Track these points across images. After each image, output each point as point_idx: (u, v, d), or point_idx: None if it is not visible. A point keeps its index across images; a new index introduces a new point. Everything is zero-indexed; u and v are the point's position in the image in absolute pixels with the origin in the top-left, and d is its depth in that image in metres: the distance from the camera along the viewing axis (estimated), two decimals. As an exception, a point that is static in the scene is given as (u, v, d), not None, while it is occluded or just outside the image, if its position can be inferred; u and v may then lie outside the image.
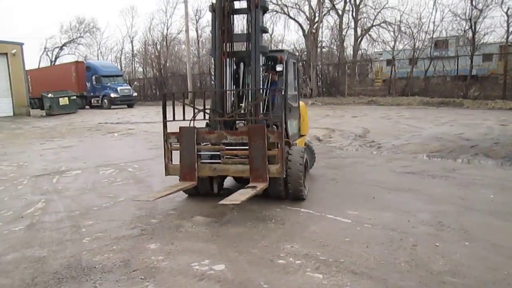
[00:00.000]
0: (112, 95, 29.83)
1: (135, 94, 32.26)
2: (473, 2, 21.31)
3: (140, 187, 6.79)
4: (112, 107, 29.61)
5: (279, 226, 4.75)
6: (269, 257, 3.92)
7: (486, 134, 10.93)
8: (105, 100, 30.28)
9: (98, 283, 3.55)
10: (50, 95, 25.61)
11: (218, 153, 5.49)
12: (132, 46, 47.37)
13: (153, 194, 5.20)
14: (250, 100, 5.60)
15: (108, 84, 30.51)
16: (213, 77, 5.79)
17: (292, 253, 4.00)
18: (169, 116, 5.57)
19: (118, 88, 30.13)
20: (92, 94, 31.30)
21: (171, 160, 5.60)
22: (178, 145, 5.51)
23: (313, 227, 4.68)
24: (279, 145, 5.22)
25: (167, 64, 38.11)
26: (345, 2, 31.36)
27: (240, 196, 4.68)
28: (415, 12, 48.97)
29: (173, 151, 5.67)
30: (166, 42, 39.71)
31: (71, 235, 4.70)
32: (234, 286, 3.42)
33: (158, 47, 39.64)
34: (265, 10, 5.66)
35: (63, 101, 25.72)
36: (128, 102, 30.49)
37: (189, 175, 5.40)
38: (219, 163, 5.44)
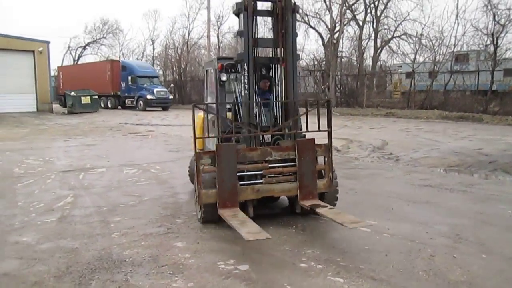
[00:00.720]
0: (148, 96, 28.86)
1: (171, 97, 31.21)
2: (496, 17, 21.25)
3: (164, 188, 7.01)
4: (147, 109, 28.88)
5: (300, 232, 4.91)
6: (291, 261, 4.08)
7: (505, 150, 10.92)
8: (140, 102, 29.30)
9: (129, 275, 3.76)
10: (72, 93, 26.25)
11: (260, 172, 5.00)
12: (153, 49, 48.20)
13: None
14: (281, 111, 5.31)
15: (145, 85, 29.61)
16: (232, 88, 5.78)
17: (313, 257, 4.15)
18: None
19: (155, 90, 29.17)
20: (126, 94, 30.51)
21: (202, 185, 4.72)
22: (212, 166, 4.72)
23: (333, 235, 4.83)
24: (326, 159, 5.12)
25: (187, 68, 38.57)
26: (366, 13, 31.51)
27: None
28: (437, 25, 48.77)
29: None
30: (187, 47, 40.25)
31: (100, 230, 4.93)
32: (259, 285, 3.59)
33: (179, 51, 40.18)
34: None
35: (85, 99, 26.31)
36: (164, 104, 29.61)
37: (230, 201, 4.69)
38: (261, 183, 4.95)
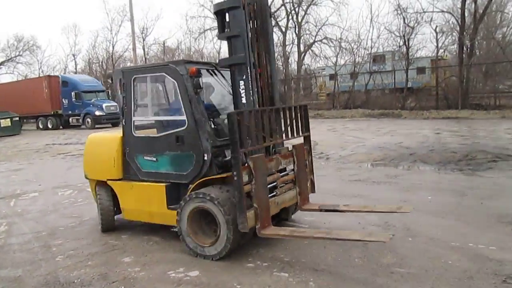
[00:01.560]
0: (97, 113, 25.92)
1: None
2: (405, 20, 23.04)
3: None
4: (97, 126, 25.40)
5: (244, 234, 5.14)
6: (239, 262, 4.30)
7: (423, 142, 11.94)
8: (88, 119, 26.26)
9: (79, 296, 3.77)
10: (-11, 117, 24.48)
11: (274, 183, 4.70)
12: (76, 64, 46.35)
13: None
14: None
15: (92, 100, 26.76)
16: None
17: (258, 256, 4.41)
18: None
19: (104, 105, 26.14)
20: (70, 112, 27.40)
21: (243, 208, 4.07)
22: (248, 184, 4.15)
23: (275, 233, 5.11)
24: (307, 162, 5.12)
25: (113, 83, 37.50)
26: (288, 20, 32.69)
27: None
28: (354, 28, 51.63)
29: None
30: (112, 60, 39.24)
31: (42, 255, 4.84)
32: (210, 288, 3.77)
33: (104, 65, 39.05)
34: None
35: (5, 122, 24.69)
36: (114, 120, 26.10)
37: (266, 220, 4.28)
38: (275, 194, 4.66)
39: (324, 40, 31.33)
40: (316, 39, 32.01)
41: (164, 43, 36.86)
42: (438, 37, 22.95)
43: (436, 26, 22.93)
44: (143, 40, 39.38)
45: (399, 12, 23.35)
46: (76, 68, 45.80)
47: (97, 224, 5.89)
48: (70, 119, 27.74)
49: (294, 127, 4.90)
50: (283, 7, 32.30)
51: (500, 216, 5.37)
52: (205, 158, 4.58)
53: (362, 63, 26.29)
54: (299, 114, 4.94)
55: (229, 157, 4.41)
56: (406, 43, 22.81)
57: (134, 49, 29.42)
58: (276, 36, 32.94)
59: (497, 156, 9.36)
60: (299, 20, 32.76)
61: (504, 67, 21.63)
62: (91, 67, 40.96)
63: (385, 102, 22.55)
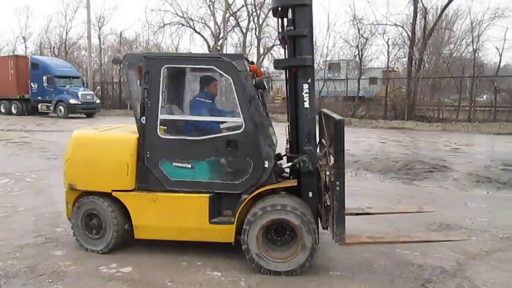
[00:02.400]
0: (72, 101, 23.04)
1: (98, 101, 25.29)
2: (360, 31, 23.76)
3: (41, 197, 6.73)
4: (70, 115, 23.03)
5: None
6: (174, 260, 4.31)
7: (368, 150, 12.37)
8: (61, 107, 23.30)
9: (3, 287, 3.66)
10: None
11: None
12: (26, 48, 44.25)
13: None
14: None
15: (66, 87, 23.85)
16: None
17: (194, 255, 4.43)
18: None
19: (79, 93, 23.41)
20: (39, 97, 24.34)
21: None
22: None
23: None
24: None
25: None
26: (249, 21, 32.84)
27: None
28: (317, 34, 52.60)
29: None
30: (65, 47, 37.82)
31: (-32, 245, 4.65)
32: (142, 285, 3.77)
33: (56, 51, 37.57)
34: None
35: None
36: (90, 110, 24.11)
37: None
38: None
39: (284, 44, 31.67)
40: (275, 43, 32.34)
41: (121, 34, 35.88)
42: (390, 49, 23.87)
43: (388, 39, 23.87)
44: (99, 29, 38.19)
45: (354, 22, 24.07)
46: (26, 52, 43.76)
47: (31, 215, 5.72)
48: (39, 106, 24.59)
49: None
50: (244, 8, 32.39)
51: (428, 224, 5.69)
52: (266, 165, 4.15)
53: (317, 70, 26.84)
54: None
55: (288, 164, 4.30)
56: (360, 53, 23.53)
57: (89, 37, 28.65)
58: (237, 36, 33.12)
59: (433, 166, 9.87)
60: (260, 23, 33.01)
61: (448, 82, 22.79)
62: (42, 52, 39.21)
63: (337, 110, 23.06)
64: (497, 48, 25.57)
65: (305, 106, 4.18)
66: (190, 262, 4.29)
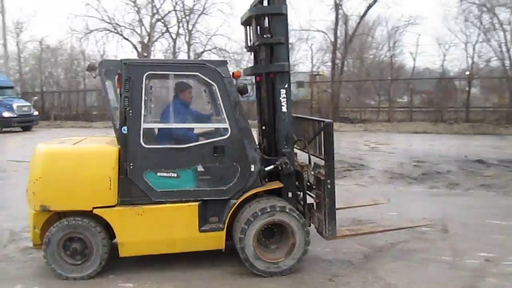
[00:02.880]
0: (6, 114, 20.29)
1: (36, 113, 22.41)
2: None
3: None
4: (4, 130, 20.25)
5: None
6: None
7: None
8: None
9: None
10: None
11: None
12: None
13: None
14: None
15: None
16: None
17: (108, 269, 4.24)
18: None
19: (14, 105, 20.72)
20: None
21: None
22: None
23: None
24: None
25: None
26: (179, 27, 32.52)
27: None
28: (243, 41, 53.12)
29: None
30: (-22, 55, 35.17)
31: None
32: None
33: (-33, 58, 34.82)
34: None
35: None
36: (27, 123, 21.40)
37: None
38: None
39: (214, 50, 31.76)
40: (206, 49, 32.31)
41: (41, 41, 34.02)
42: (314, 54, 24.71)
43: (312, 44, 24.66)
44: (17, 36, 35.99)
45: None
46: None
47: None
48: None
49: None
50: (173, 14, 32.05)
51: (342, 220, 5.96)
52: (252, 169, 4.21)
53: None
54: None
55: (270, 166, 4.32)
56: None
57: (5, 45, 26.95)
58: (167, 42, 32.62)
59: (352, 165, 10.39)
60: (190, 28, 32.80)
61: (369, 85, 23.97)
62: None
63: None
64: (411, 53, 27.39)
65: (283, 110, 4.34)
66: (103, 274, 4.17)
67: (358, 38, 25.38)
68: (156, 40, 29.90)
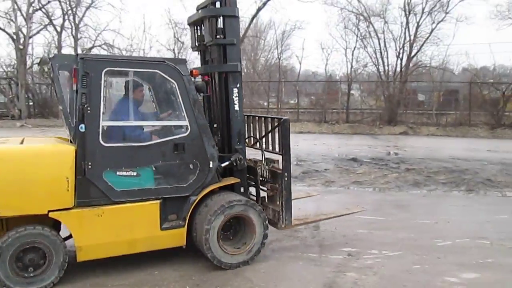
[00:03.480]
0: None
1: None
2: (176, 35, 23.92)
3: None
4: None
5: None
6: None
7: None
8: None
9: None
10: None
11: None
12: None
13: None
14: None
15: None
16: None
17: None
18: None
19: None
20: None
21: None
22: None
23: None
24: None
25: None
26: (64, 19, 30.11)
27: None
28: (134, 37, 51.18)
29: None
30: None
31: None
32: None
33: None
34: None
35: None
36: None
37: None
38: None
39: (104, 46, 30.00)
40: (95, 44, 30.40)
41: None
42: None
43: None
44: None
45: (170, 26, 24.14)
46: None
47: None
48: None
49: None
50: (58, 5, 29.61)
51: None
52: (211, 165, 4.32)
53: None
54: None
55: (225, 163, 4.50)
56: (177, 57, 23.70)
57: None
58: (51, 35, 30.02)
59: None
60: (77, 22, 30.60)
61: (258, 87, 24.53)
62: None
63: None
64: (297, 56, 28.73)
65: (236, 108, 4.57)
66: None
67: (253, 40, 25.92)
68: (38, 33, 27.42)
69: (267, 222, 4.49)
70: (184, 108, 4.21)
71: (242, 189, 4.64)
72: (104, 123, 3.96)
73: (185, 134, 4.24)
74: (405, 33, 23.04)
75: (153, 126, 4.52)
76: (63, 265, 3.81)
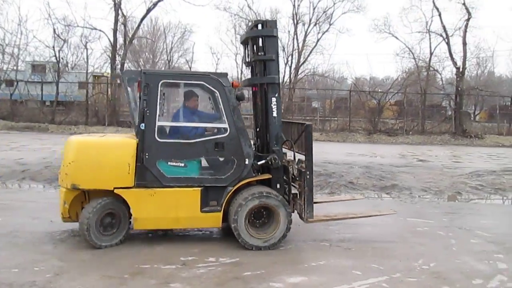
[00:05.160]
0: None
1: None
2: (56, 31, 22.14)
3: None
4: None
5: None
6: None
7: (45, 157, 11.38)
8: None
9: None
10: None
11: None
12: None
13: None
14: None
15: None
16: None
17: None
18: None
19: None
20: None
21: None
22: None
23: None
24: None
25: None
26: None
27: None
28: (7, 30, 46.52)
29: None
30: None
31: None
32: None
33: None
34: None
35: None
36: None
37: None
38: None
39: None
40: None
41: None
42: (90, 53, 23.23)
43: (87, 43, 23.01)
44: None
45: (50, 22, 22.33)
46: None
47: None
48: None
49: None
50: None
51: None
52: (247, 162, 5.04)
53: (22, 71, 23.68)
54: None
55: (261, 161, 5.20)
56: (57, 56, 21.94)
57: None
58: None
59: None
60: None
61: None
62: None
63: (34, 115, 20.98)
64: (187, 60, 28.41)
65: (274, 115, 5.20)
66: None
67: (151, 43, 25.02)
68: None
69: (291, 215, 5.07)
70: (224, 113, 5.01)
71: (278, 185, 5.21)
72: (159, 123, 4.95)
73: (225, 135, 5.05)
74: (293, 41, 23.96)
75: (198, 127, 5.31)
76: (127, 230, 5.00)
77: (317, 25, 24.20)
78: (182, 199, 4.94)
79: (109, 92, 21.77)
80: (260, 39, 5.31)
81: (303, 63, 24.08)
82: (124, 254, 4.71)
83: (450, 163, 13.29)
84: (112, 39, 21.98)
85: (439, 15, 23.44)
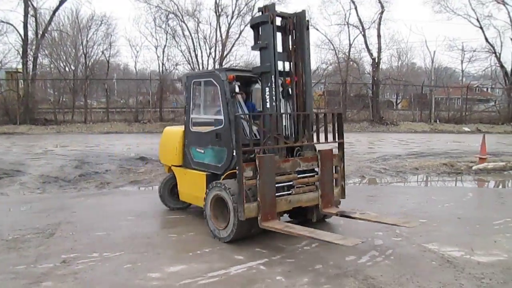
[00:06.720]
0: None
1: None
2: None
3: None
4: None
5: None
6: None
7: None
8: None
9: None
10: None
11: (290, 183, 5.09)
12: None
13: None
14: (297, 123, 5.30)
15: None
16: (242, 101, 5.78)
17: None
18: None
19: None
20: None
21: (244, 199, 4.61)
22: (253, 179, 4.71)
23: None
24: (339, 168, 5.45)
25: None
26: None
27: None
28: None
29: None
30: None
31: None
32: None
33: None
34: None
35: None
36: None
37: (270, 214, 4.76)
38: (290, 193, 5.05)
39: None
40: None
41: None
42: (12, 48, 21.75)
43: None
44: None
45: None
46: None
47: None
48: None
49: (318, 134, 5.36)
50: None
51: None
52: (234, 154, 5.04)
53: None
54: (332, 121, 5.39)
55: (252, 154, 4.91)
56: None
57: None
58: None
59: (5, 172, 9.22)
60: None
61: (67, 84, 22.60)
62: None
63: None
64: (102, 52, 27.38)
65: (267, 106, 5.02)
66: None
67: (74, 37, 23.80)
68: None
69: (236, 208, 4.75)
70: (222, 105, 5.33)
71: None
72: (191, 116, 5.94)
73: (221, 126, 5.35)
74: (216, 33, 23.90)
75: (210, 118, 5.90)
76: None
77: (239, 16, 24.27)
78: (197, 181, 5.68)
79: (22, 89, 20.45)
80: (260, 27, 5.09)
81: (227, 54, 24.05)
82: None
83: (363, 148, 13.93)
84: (22, 33, 20.69)
85: (355, 8, 24.47)
